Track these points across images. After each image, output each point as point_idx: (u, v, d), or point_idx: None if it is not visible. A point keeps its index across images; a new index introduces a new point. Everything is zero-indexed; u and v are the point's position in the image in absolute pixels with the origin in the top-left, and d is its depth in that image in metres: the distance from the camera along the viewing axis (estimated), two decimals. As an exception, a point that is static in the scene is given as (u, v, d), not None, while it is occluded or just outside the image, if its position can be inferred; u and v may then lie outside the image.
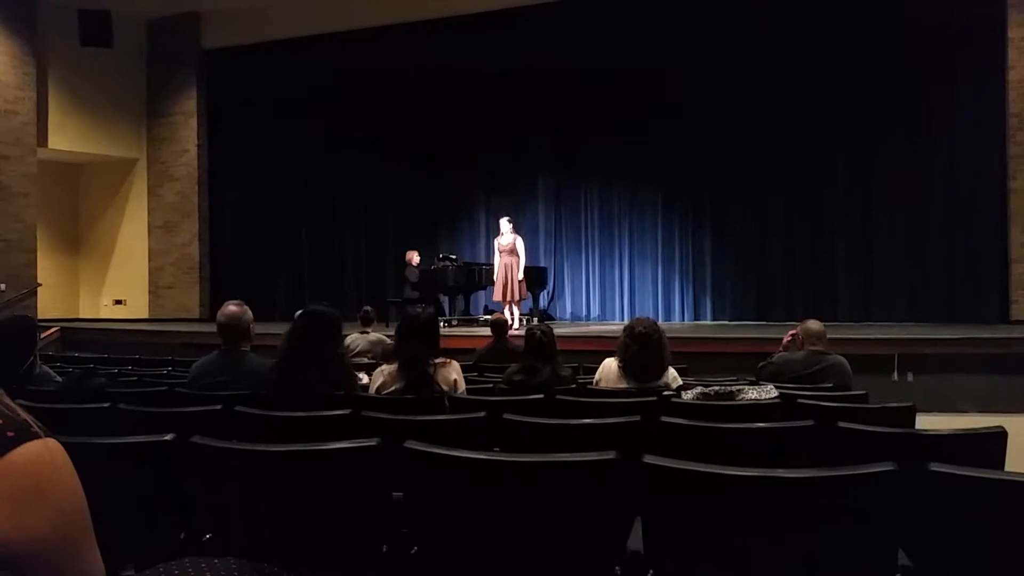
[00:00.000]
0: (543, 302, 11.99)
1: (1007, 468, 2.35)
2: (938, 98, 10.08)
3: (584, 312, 12.34)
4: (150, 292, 13.64)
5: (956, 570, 1.81)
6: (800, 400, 3.35)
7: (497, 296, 10.19)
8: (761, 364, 4.79)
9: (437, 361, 3.56)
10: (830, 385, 4.24)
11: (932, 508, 1.77)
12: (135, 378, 4.91)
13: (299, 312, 3.76)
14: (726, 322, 11.16)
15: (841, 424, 2.56)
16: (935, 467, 1.72)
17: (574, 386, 4.08)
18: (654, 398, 3.41)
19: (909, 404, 3.26)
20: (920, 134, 10.24)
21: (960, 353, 7.42)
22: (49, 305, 12.82)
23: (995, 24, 9.45)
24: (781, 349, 4.96)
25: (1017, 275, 9.27)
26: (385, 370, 3.61)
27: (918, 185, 10.22)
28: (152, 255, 13.65)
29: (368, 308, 7.85)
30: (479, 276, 11.07)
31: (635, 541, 2.05)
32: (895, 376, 7.31)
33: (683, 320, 11.56)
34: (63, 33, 12.04)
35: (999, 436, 2.42)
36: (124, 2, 12.01)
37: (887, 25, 10.00)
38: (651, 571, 1.90)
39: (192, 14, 13.24)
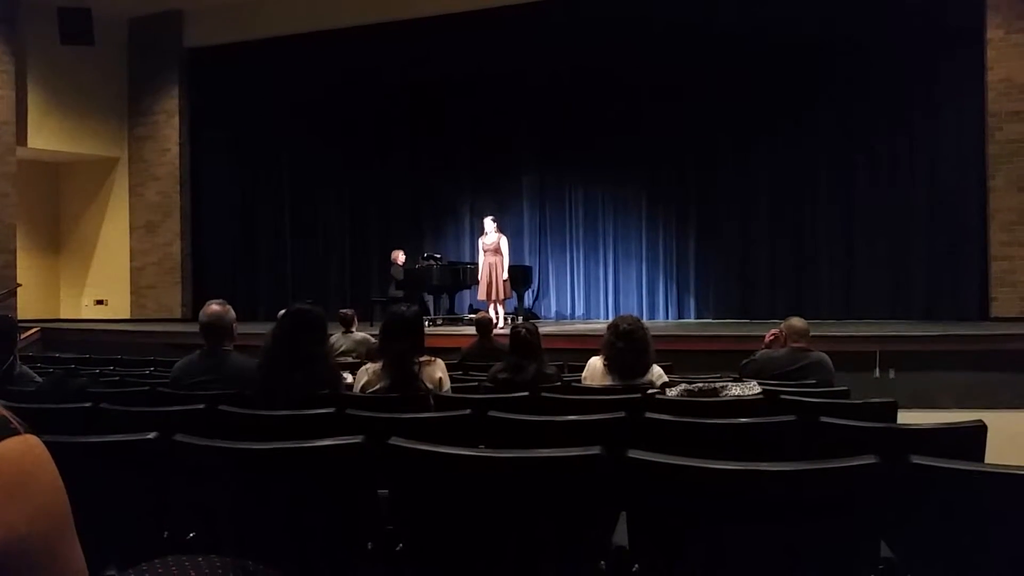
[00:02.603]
0: (528, 301, 11.99)
1: (987, 461, 2.37)
2: (919, 98, 10.18)
3: (569, 311, 12.36)
4: (132, 292, 13.51)
5: (938, 561, 1.83)
6: (783, 396, 3.36)
7: (482, 295, 10.18)
8: (744, 361, 4.84)
9: (422, 359, 3.55)
10: (812, 381, 4.27)
11: (914, 500, 1.78)
12: (117, 378, 4.88)
13: (283, 311, 3.74)
14: (710, 320, 11.21)
15: (823, 419, 2.58)
16: (916, 460, 1.74)
17: (559, 384, 4.08)
18: (639, 395, 3.42)
19: (891, 400, 3.28)
20: (901, 133, 10.34)
21: (941, 350, 7.50)
22: (29, 305, 12.68)
23: (974, 25, 9.54)
24: (764, 346, 5.00)
25: (997, 272, 9.36)
26: (370, 368, 3.60)
27: (899, 184, 10.32)
28: (134, 255, 13.52)
29: (345, 310, 7.64)
30: (464, 275, 11.06)
31: (620, 535, 2.05)
32: (876, 373, 7.37)
33: (667, 318, 11.60)
34: (43, 31, 11.88)
35: (979, 430, 2.45)
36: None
37: (868, 26, 10.08)
38: (636, 565, 1.91)
39: (174, 12, 13.13)
